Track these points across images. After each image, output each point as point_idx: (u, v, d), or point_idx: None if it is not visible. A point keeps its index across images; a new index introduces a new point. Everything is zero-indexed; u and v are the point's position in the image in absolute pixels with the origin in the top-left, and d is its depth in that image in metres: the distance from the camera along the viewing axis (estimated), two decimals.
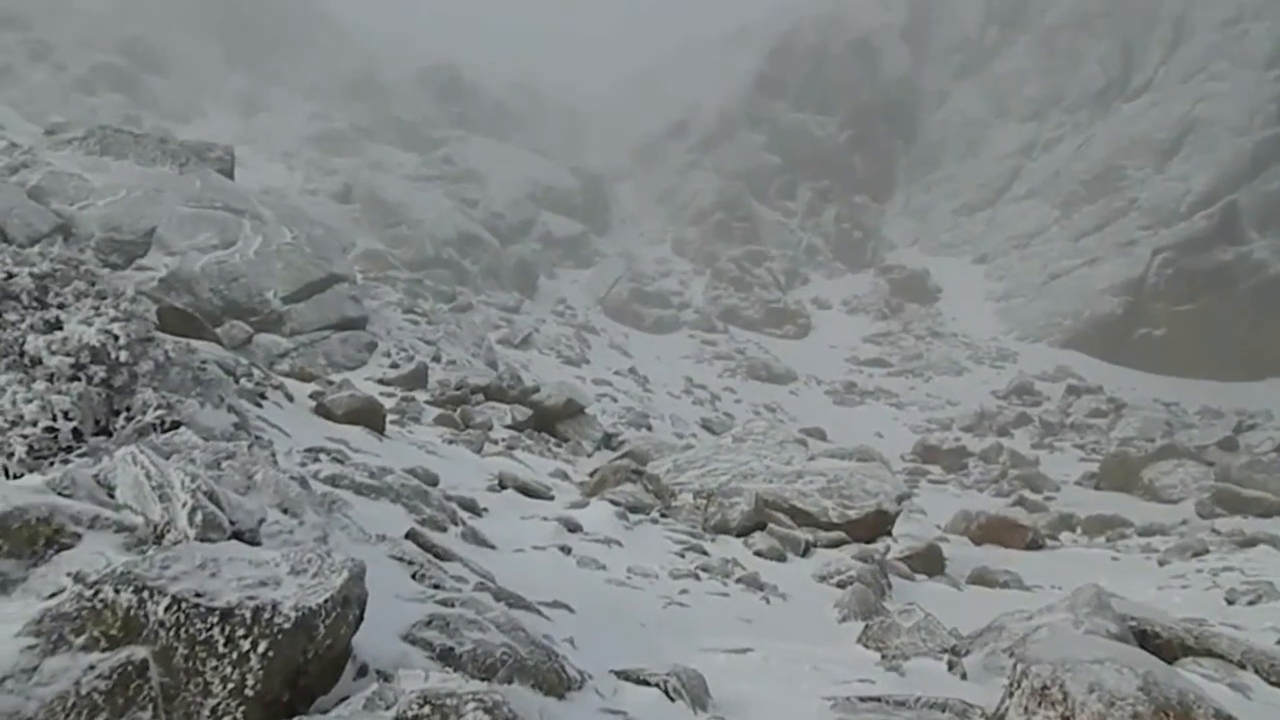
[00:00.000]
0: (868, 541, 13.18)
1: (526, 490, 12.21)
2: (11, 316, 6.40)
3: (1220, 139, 49.28)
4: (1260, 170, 47.52)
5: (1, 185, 20.93)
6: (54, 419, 5.69)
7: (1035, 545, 17.13)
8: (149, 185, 24.74)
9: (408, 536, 7.08)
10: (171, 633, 3.49)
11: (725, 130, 66.72)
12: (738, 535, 12.09)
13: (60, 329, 6.33)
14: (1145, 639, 6.56)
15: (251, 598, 3.61)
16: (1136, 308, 46.18)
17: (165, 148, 27.29)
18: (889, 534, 14.04)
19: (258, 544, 4.70)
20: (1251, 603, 11.67)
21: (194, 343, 12.50)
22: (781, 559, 11.37)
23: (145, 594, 3.53)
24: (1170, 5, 59.06)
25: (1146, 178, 51.02)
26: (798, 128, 65.51)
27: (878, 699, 5.55)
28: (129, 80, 58.00)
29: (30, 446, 5.45)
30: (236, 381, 11.98)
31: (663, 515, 12.66)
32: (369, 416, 13.85)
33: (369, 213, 47.19)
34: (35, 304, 6.63)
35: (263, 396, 12.46)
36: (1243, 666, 6.29)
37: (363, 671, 4.10)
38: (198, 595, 3.56)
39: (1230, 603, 11.91)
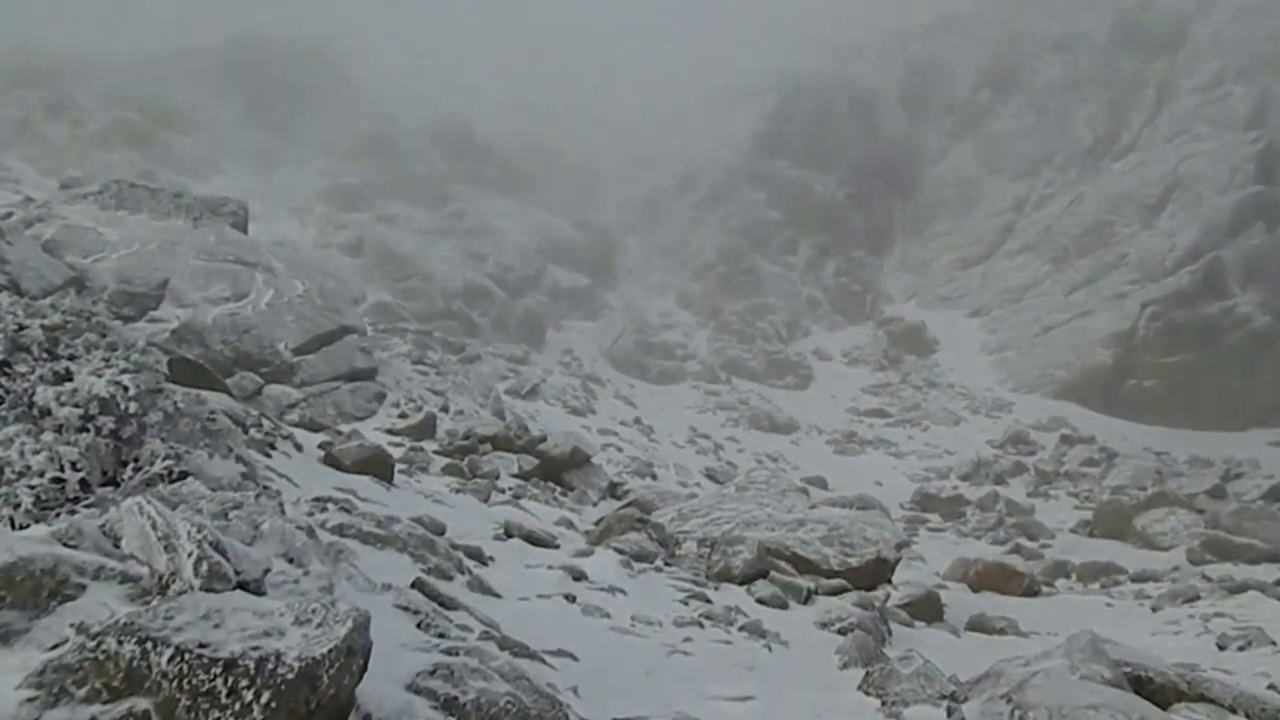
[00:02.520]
0: (868, 589, 13.18)
1: (532, 539, 12.21)
2: (21, 368, 6.44)
3: (1204, 197, 49.74)
4: (1242, 227, 47.85)
5: (16, 239, 21.00)
6: (61, 470, 5.72)
7: (1031, 592, 17.14)
8: (163, 238, 24.87)
9: (414, 585, 7.10)
10: (174, 684, 3.49)
11: (729, 187, 67.18)
12: (740, 583, 12.09)
13: (70, 380, 6.37)
14: (1139, 685, 6.56)
15: (255, 648, 3.62)
16: (1127, 359, 46.29)
17: (180, 202, 27.46)
18: (889, 581, 14.05)
19: (263, 594, 4.71)
20: (1242, 648, 11.72)
21: (204, 394, 12.52)
22: (783, 606, 11.37)
23: (148, 645, 3.53)
24: (1155, 69, 60.17)
25: (1134, 233, 51.39)
26: (799, 185, 65.92)
27: None
28: (146, 137, 58.46)
29: (37, 497, 5.48)
30: (246, 432, 12.01)
31: (667, 564, 12.63)
32: (377, 466, 13.88)
33: (380, 266, 47.36)
34: (45, 355, 6.68)
35: (272, 446, 12.49)
36: (1234, 711, 6.30)
37: None
38: (201, 646, 3.57)
39: (1222, 648, 11.96)
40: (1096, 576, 21.65)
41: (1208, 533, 25.57)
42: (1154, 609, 16.16)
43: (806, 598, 12.00)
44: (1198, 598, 16.74)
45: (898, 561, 14.48)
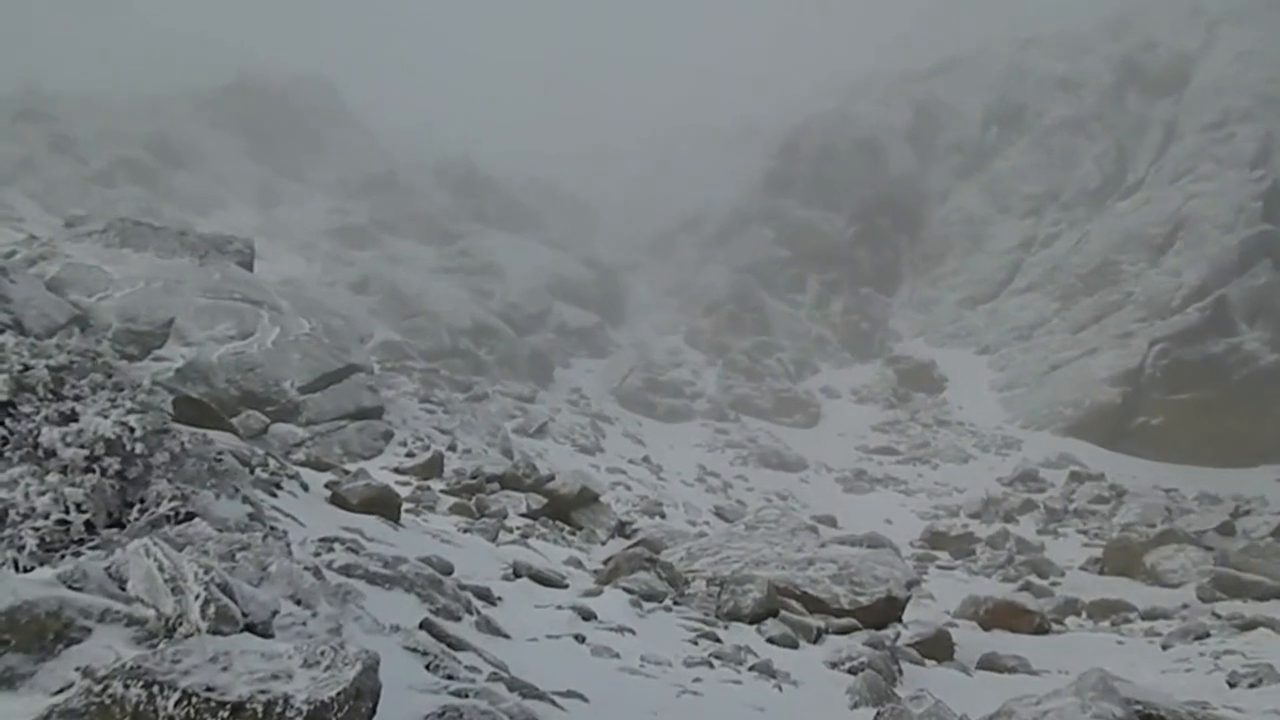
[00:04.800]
0: (878, 627, 13.11)
1: (541, 579, 12.14)
2: (26, 409, 6.41)
3: (1209, 235, 50.07)
4: (1248, 265, 48.27)
5: (19, 277, 20.99)
6: (66, 511, 5.68)
7: (1042, 630, 17.02)
8: (168, 277, 24.91)
9: (421, 626, 7.05)
10: None
11: (736, 224, 67.48)
12: (750, 622, 12.00)
13: (76, 421, 6.34)
14: None
15: (263, 691, 3.58)
16: (1135, 397, 46.53)
17: (185, 240, 27.52)
18: (899, 620, 13.96)
19: (271, 636, 4.69)
20: (1253, 685, 11.61)
21: (210, 433, 12.52)
22: (794, 646, 11.29)
23: (155, 689, 3.49)
24: (1160, 109, 60.84)
25: (1141, 272, 51.71)
26: (806, 223, 66.14)
27: None
28: (149, 173, 58.72)
29: (42, 539, 5.44)
30: (252, 471, 11.95)
31: (676, 603, 12.55)
32: (384, 505, 13.79)
33: (386, 304, 47.41)
34: (51, 396, 6.64)
35: (278, 486, 12.42)
36: None
37: None
38: (208, 689, 3.53)
39: (1232, 685, 11.85)
40: (1106, 614, 21.51)
41: (1217, 570, 25.41)
42: (1164, 646, 16.02)
43: (817, 637, 11.93)
44: (1208, 635, 16.63)
45: (908, 600, 14.39)
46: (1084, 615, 21.82)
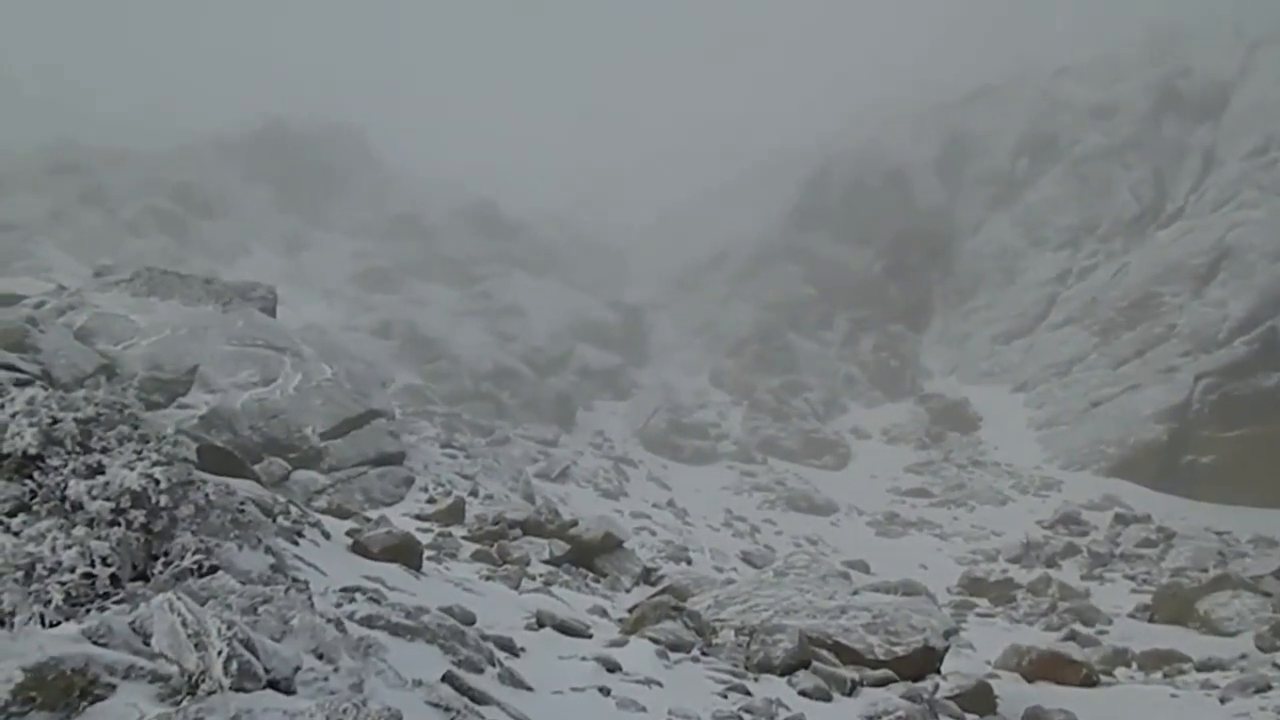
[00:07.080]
0: (915, 679, 12.84)
1: (565, 628, 11.99)
2: (54, 462, 6.45)
3: (1255, 265, 49.29)
4: None
5: (49, 327, 21.30)
6: (92, 565, 5.67)
7: (1090, 682, 16.60)
8: (193, 324, 25.20)
9: (444, 679, 6.98)
10: None
11: (762, 261, 67.46)
12: (781, 674, 11.81)
13: (102, 473, 6.36)
14: None
15: None
16: (1182, 434, 45.68)
17: (210, 288, 27.89)
18: (937, 671, 13.70)
19: (293, 692, 4.66)
20: None
21: (233, 481, 12.50)
22: (827, 699, 11.09)
23: None
24: (1199, 135, 60.41)
25: (1184, 304, 50.96)
26: (834, 258, 66.10)
27: None
28: (177, 223, 59.67)
29: (68, 594, 5.43)
30: (274, 520, 11.95)
31: (704, 653, 12.38)
32: (406, 553, 13.75)
33: (408, 348, 47.69)
34: (78, 449, 6.68)
35: (299, 534, 12.39)
36: None
37: None
38: None
39: None
40: (1159, 665, 20.89)
41: (1276, 617, 24.71)
42: (1222, 700, 15.59)
43: (851, 689, 11.70)
44: (1269, 688, 16.14)
45: (946, 650, 14.12)
46: (1134, 666, 21.23)
